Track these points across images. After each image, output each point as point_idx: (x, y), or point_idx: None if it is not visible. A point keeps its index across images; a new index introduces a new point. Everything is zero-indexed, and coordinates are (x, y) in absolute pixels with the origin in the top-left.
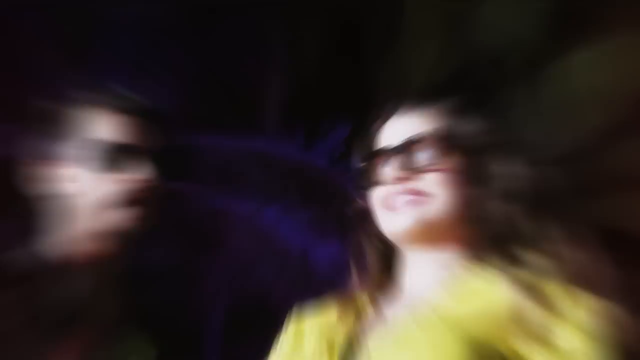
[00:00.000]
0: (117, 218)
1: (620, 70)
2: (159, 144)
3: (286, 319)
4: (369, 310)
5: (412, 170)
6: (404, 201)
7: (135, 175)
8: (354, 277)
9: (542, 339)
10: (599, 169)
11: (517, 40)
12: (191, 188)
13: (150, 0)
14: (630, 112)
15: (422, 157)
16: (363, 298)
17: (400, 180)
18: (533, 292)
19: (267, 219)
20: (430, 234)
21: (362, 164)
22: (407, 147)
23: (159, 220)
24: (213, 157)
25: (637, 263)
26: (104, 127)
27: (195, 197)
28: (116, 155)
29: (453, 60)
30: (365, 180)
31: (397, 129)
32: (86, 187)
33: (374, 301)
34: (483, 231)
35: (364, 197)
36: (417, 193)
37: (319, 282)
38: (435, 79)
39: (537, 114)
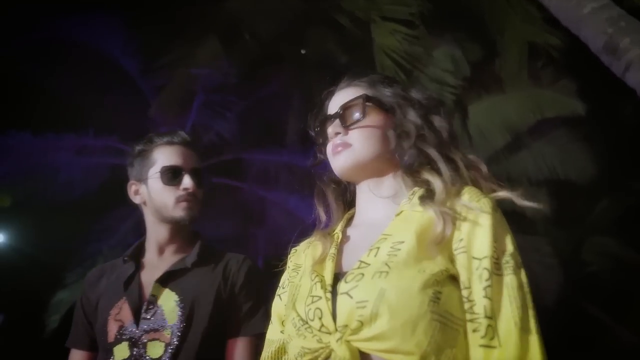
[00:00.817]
0: (175, 212)
1: (506, 112)
2: (198, 164)
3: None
4: (339, 235)
5: (344, 127)
6: (336, 149)
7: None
8: (320, 214)
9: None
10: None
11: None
12: (243, 184)
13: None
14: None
15: (353, 117)
16: (335, 228)
17: (335, 135)
18: (444, 193)
19: (291, 203)
20: (363, 170)
21: (316, 129)
22: (340, 112)
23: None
24: (257, 165)
25: None
26: (164, 156)
27: (246, 190)
28: (171, 174)
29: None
30: (318, 139)
31: (336, 101)
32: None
33: (342, 228)
34: (402, 163)
35: (321, 153)
36: (343, 144)
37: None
38: None
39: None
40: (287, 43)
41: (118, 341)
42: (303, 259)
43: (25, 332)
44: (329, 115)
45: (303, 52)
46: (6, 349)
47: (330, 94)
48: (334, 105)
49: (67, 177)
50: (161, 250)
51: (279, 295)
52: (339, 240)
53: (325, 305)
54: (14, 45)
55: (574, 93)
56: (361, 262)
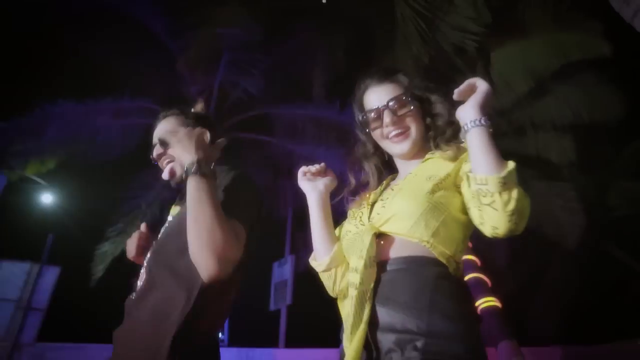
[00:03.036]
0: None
1: (530, 58)
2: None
3: None
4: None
5: (397, 117)
6: (397, 137)
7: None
8: (353, 180)
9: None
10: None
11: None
12: (272, 138)
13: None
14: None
15: (404, 109)
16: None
17: (392, 124)
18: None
19: (318, 155)
20: (416, 148)
21: (363, 116)
22: (391, 104)
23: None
24: (284, 119)
25: None
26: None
27: (274, 144)
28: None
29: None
30: (364, 125)
31: (381, 95)
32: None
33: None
34: (439, 138)
35: (362, 134)
36: (402, 133)
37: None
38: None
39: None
40: None
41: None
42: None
43: (77, 281)
44: (380, 107)
45: (324, 1)
46: (62, 299)
47: (367, 87)
48: (380, 98)
49: (106, 139)
50: None
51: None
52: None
53: (366, 211)
54: (54, 18)
55: (600, 34)
56: (392, 189)
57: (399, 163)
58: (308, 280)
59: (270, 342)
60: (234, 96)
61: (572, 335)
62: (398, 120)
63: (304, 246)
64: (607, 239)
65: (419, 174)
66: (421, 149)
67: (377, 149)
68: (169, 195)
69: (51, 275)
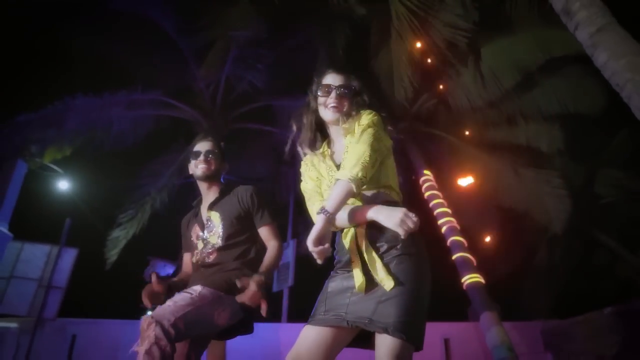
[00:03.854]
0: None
1: (517, 52)
2: (212, 147)
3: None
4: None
5: (338, 97)
6: (333, 107)
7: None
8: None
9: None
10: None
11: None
12: (275, 129)
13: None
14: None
15: (343, 92)
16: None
17: (333, 99)
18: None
19: None
20: (338, 121)
21: (318, 87)
22: (338, 87)
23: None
24: (287, 110)
25: None
26: (194, 145)
27: (277, 134)
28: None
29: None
30: (316, 91)
31: (334, 78)
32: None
33: (328, 149)
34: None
35: (311, 97)
36: (338, 104)
37: None
38: None
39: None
40: None
41: (197, 239)
42: (311, 162)
43: (92, 264)
44: (332, 85)
45: None
46: (80, 279)
47: (330, 71)
48: (335, 80)
49: (119, 129)
50: (205, 194)
51: (305, 182)
52: (327, 153)
53: (332, 164)
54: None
55: None
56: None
57: (331, 128)
58: (308, 263)
59: (273, 319)
60: (240, 89)
61: (556, 313)
62: (338, 98)
63: (305, 230)
64: (593, 225)
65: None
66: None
67: (316, 111)
68: (177, 182)
69: (69, 256)
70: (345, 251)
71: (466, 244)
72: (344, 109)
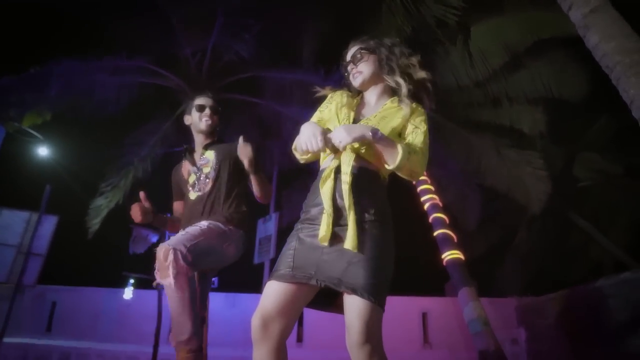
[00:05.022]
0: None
1: (506, 33)
2: (214, 104)
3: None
4: (358, 101)
5: (355, 65)
6: (354, 74)
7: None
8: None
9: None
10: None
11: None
12: (261, 100)
13: None
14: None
15: (357, 60)
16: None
17: (352, 69)
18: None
19: (305, 117)
20: (370, 82)
21: (344, 66)
22: (352, 58)
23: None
24: (274, 82)
25: None
26: (198, 100)
27: (262, 105)
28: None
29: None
30: (345, 67)
31: (350, 51)
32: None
33: (359, 101)
34: (390, 79)
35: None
36: (358, 71)
37: None
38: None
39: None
40: None
41: (188, 175)
42: (338, 99)
43: (73, 232)
44: (348, 59)
45: None
46: (60, 246)
47: (348, 48)
48: (350, 53)
49: (103, 96)
50: (200, 145)
51: (320, 110)
52: (356, 104)
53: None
54: None
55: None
56: (367, 119)
57: (365, 95)
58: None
59: (254, 290)
60: (226, 58)
61: (530, 290)
62: (356, 67)
63: (287, 204)
64: (570, 207)
65: (387, 116)
66: (375, 83)
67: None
68: (160, 151)
69: (50, 223)
70: (319, 201)
71: (447, 221)
72: (366, 72)
